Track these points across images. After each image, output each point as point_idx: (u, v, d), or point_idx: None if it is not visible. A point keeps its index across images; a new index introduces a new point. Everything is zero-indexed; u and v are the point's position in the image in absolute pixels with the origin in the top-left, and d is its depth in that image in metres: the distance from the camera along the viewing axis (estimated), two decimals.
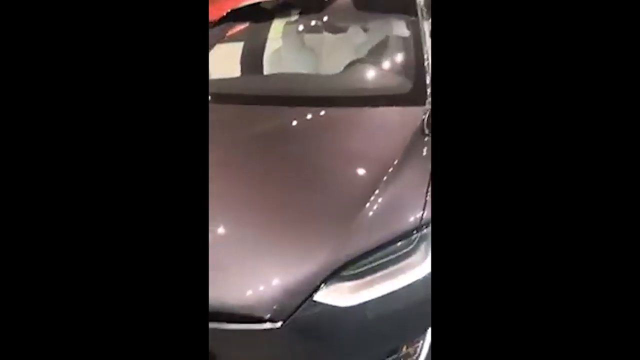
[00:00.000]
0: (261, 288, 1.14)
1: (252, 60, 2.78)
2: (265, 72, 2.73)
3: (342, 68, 2.37)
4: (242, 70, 2.77)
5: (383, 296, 1.13)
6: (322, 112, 1.85)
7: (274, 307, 1.10)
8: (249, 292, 1.14)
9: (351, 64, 2.36)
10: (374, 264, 1.16)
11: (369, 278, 1.15)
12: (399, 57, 2.33)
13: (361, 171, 1.43)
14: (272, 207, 1.33)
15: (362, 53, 2.52)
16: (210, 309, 1.09)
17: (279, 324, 1.09)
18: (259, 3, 2.74)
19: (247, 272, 1.17)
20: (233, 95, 2.09)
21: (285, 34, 2.78)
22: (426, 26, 2.05)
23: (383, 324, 0.99)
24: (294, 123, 1.83)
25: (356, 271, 1.14)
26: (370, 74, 2.32)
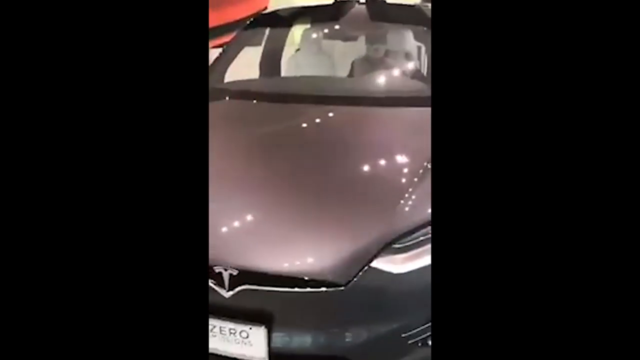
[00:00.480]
0: (327, 257, 1.36)
1: (270, 63, 2.99)
2: (282, 75, 2.98)
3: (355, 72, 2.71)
4: (260, 73, 2.96)
5: (425, 267, 1.34)
6: (357, 110, 2.12)
7: (339, 272, 1.33)
8: (317, 260, 1.37)
9: (364, 66, 2.67)
10: (416, 241, 1.39)
11: (413, 252, 1.38)
12: (414, 64, 2.69)
13: (403, 161, 1.70)
14: (330, 190, 1.58)
15: (377, 59, 2.78)
16: (278, 274, 1.35)
17: (342, 287, 1.33)
18: (277, 11, 3.00)
19: (314, 244, 1.41)
20: (274, 93, 2.39)
21: (303, 40, 3.04)
22: None
23: (425, 291, 1.04)
24: (333, 118, 2.12)
25: (403, 245, 1.38)
26: (392, 78, 2.63)
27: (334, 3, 3.09)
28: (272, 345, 1.41)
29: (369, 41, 2.92)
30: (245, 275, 1.39)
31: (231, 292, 1.40)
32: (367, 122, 2.07)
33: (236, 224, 1.54)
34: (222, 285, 1.41)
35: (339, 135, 1.96)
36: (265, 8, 6.51)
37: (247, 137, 2.02)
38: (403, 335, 1.40)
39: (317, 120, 2.11)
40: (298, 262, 1.40)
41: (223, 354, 1.45)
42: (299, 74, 2.91)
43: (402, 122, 2.04)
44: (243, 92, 2.46)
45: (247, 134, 2.05)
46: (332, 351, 1.42)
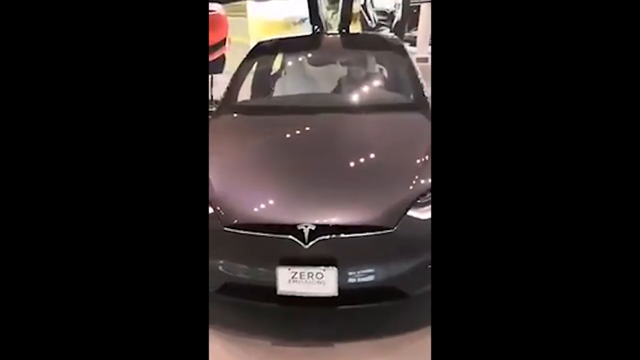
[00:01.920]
0: (379, 210, 1.94)
1: (261, 85, 3.50)
2: (274, 95, 3.51)
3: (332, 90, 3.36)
4: (252, 94, 3.41)
5: None
6: (366, 115, 2.76)
7: (388, 220, 1.90)
8: (373, 213, 1.93)
9: (348, 84, 3.33)
10: (429, 199, 1.98)
11: (429, 206, 1.97)
12: (393, 80, 3.39)
13: (413, 150, 2.27)
14: (370, 170, 2.25)
15: (358, 79, 3.45)
16: (346, 225, 1.91)
17: (392, 230, 1.89)
18: (262, 42, 3.67)
19: (368, 202, 1.98)
20: (293, 106, 3.02)
21: (289, 65, 3.71)
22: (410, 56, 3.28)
23: None
24: (349, 121, 2.72)
25: (423, 201, 1.97)
26: (379, 91, 3.35)
27: (311, 34, 4.05)
28: (340, 282, 1.88)
29: (349, 64, 3.60)
30: (320, 229, 1.89)
31: (310, 243, 1.89)
32: (377, 123, 2.69)
33: (310, 193, 2.08)
34: (302, 239, 1.89)
35: (360, 132, 2.57)
36: (225, 39, 6.83)
37: (290, 137, 2.63)
38: (428, 266, 1.88)
39: (338, 123, 2.72)
40: (359, 215, 1.93)
41: (302, 294, 1.92)
42: (287, 94, 3.47)
43: (406, 123, 2.70)
44: (269, 107, 3.17)
45: (288, 134, 2.64)
46: (384, 282, 1.94)
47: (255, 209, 2.01)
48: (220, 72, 6.00)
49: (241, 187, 2.14)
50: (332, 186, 2.09)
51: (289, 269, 1.89)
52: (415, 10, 5.60)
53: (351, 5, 4.14)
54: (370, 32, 5.15)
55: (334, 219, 1.92)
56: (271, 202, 2.04)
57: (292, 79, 3.61)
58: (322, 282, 1.88)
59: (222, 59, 6.88)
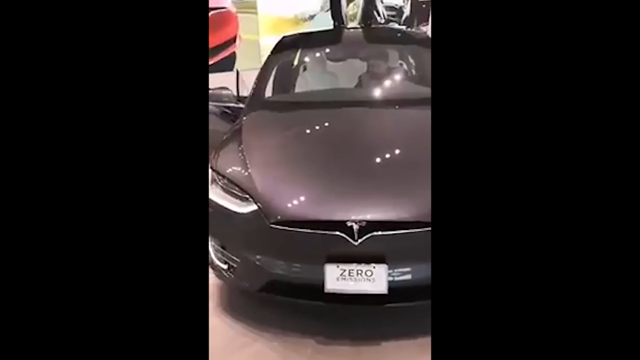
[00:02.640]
0: (424, 206, 1.81)
1: (284, 81, 3.49)
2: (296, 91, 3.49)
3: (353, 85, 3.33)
4: (273, 90, 3.37)
5: None
6: (399, 109, 2.78)
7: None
8: (419, 209, 1.87)
9: (369, 80, 3.28)
10: None
11: None
12: (420, 73, 3.35)
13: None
14: (411, 163, 2.20)
15: (380, 74, 3.35)
16: (394, 221, 1.89)
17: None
18: (283, 38, 3.63)
19: (413, 200, 1.94)
20: (326, 101, 3.01)
21: (310, 61, 3.67)
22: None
23: None
24: (384, 115, 2.76)
25: None
26: (404, 85, 3.34)
27: (333, 29, 3.93)
28: (390, 279, 1.88)
29: (370, 59, 3.50)
30: (370, 225, 1.86)
31: (360, 240, 1.86)
32: (412, 117, 2.70)
33: (356, 189, 2.05)
34: (351, 235, 1.86)
35: (396, 127, 2.60)
36: (235, 36, 6.81)
37: (327, 131, 2.63)
38: None
39: (372, 117, 2.75)
40: (410, 211, 1.92)
41: (351, 292, 1.89)
42: (309, 89, 3.45)
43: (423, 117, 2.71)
44: (302, 102, 3.11)
45: (324, 129, 2.64)
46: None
47: (302, 206, 1.99)
48: (231, 69, 6.03)
49: (285, 183, 2.10)
50: (377, 181, 2.08)
51: (338, 266, 1.87)
52: (424, 5, 5.60)
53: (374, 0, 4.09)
54: (395, 26, 5.26)
55: (384, 215, 1.90)
56: (318, 198, 2.02)
57: (313, 75, 3.58)
58: (372, 280, 1.86)
59: (233, 56, 6.91)
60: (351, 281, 1.87)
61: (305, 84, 3.53)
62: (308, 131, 2.62)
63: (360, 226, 1.86)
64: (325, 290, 1.89)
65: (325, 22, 4.87)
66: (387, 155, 2.31)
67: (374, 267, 1.86)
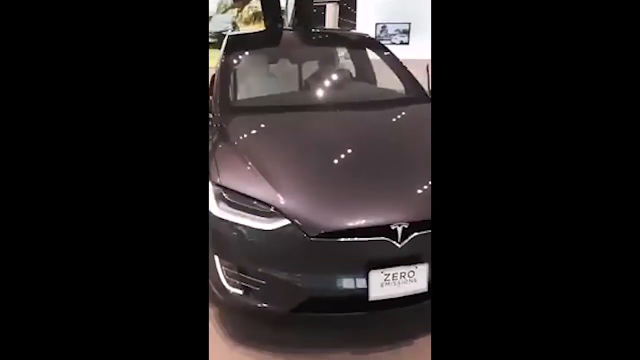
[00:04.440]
0: None
1: (226, 83, 3.27)
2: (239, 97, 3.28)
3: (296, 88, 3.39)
4: (214, 92, 3.12)
5: None
6: (387, 110, 2.92)
7: None
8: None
9: (316, 82, 3.28)
10: None
11: None
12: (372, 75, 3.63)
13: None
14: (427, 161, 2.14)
15: (327, 76, 3.40)
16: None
17: None
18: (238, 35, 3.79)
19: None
20: (293, 106, 2.93)
21: (253, 64, 3.57)
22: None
23: None
24: (368, 117, 2.81)
25: None
26: (366, 86, 3.50)
27: (265, 30, 3.77)
28: (430, 277, 1.84)
29: (319, 61, 3.58)
30: (413, 226, 1.84)
31: (404, 242, 1.84)
32: (402, 118, 2.82)
33: (390, 191, 2.02)
34: (394, 238, 1.83)
35: (393, 128, 2.68)
36: None
37: (332, 134, 2.52)
38: None
39: (361, 119, 2.77)
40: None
41: (394, 296, 1.86)
42: (252, 95, 3.29)
43: (409, 115, 2.84)
44: (292, 106, 2.94)
45: (328, 132, 2.55)
46: None
47: (345, 214, 1.88)
48: None
49: (319, 193, 1.99)
50: (405, 182, 2.06)
51: (382, 272, 1.83)
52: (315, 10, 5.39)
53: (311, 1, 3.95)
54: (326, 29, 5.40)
55: (422, 215, 1.84)
56: (359, 204, 1.93)
57: (255, 79, 3.47)
58: (414, 280, 1.86)
59: None
60: (394, 285, 1.85)
61: (246, 87, 3.35)
62: (313, 136, 2.50)
63: (403, 228, 1.84)
64: (370, 299, 1.85)
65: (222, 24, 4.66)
66: (404, 155, 2.29)
67: (416, 267, 1.85)
